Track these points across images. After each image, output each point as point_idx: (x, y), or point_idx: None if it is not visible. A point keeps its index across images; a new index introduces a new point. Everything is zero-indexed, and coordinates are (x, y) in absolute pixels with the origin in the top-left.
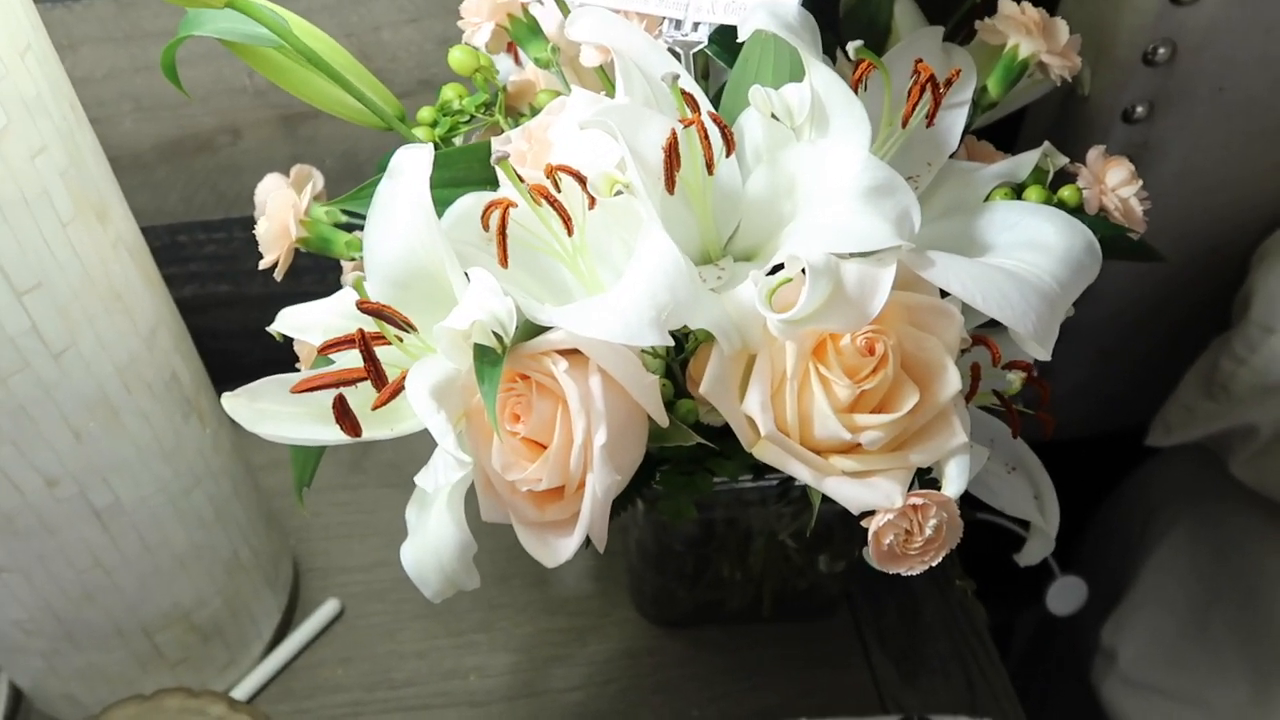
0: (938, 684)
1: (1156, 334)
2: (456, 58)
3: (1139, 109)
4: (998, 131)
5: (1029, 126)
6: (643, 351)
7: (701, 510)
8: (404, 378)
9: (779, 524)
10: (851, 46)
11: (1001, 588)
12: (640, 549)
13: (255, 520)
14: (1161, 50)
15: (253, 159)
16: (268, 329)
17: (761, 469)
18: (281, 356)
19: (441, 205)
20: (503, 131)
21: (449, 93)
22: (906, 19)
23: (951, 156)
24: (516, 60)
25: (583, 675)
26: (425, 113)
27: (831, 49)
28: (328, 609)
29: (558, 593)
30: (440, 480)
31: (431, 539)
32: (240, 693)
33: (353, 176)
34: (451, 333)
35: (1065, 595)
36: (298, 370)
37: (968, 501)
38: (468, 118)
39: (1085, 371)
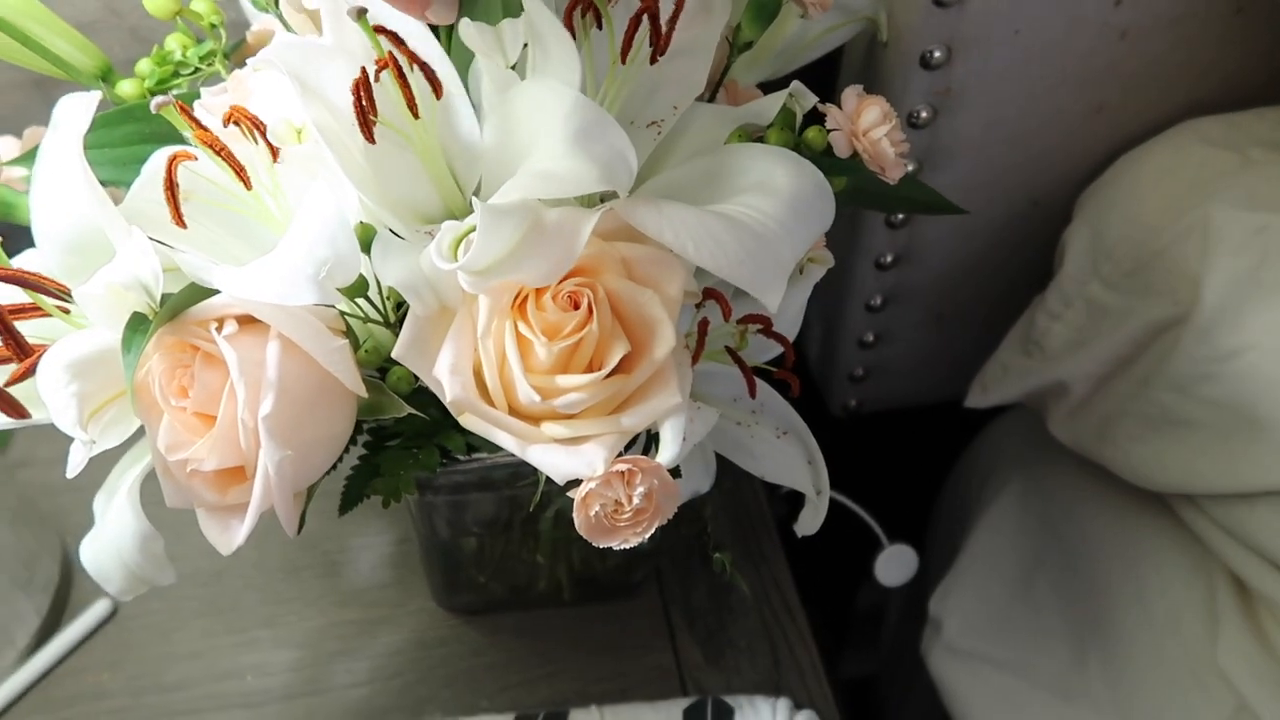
0: (743, 663)
1: (992, 296)
2: (153, 2)
3: (936, 53)
4: (810, 81)
5: (844, 76)
6: (353, 316)
7: (484, 489)
8: (42, 353)
9: (560, 499)
10: None
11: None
12: (420, 534)
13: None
14: None
15: (7, 124)
16: None
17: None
18: None
19: (138, 163)
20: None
21: (171, 43)
22: None
23: (712, 101)
24: None
25: (369, 669)
26: (142, 64)
27: None
28: (97, 610)
29: (351, 584)
30: (76, 462)
31: (111, 532)
32: None
33: None
34: (93, 298)
35: (894, 565)
36: None
37: None
38: (193, 69)
39: (922, 336)
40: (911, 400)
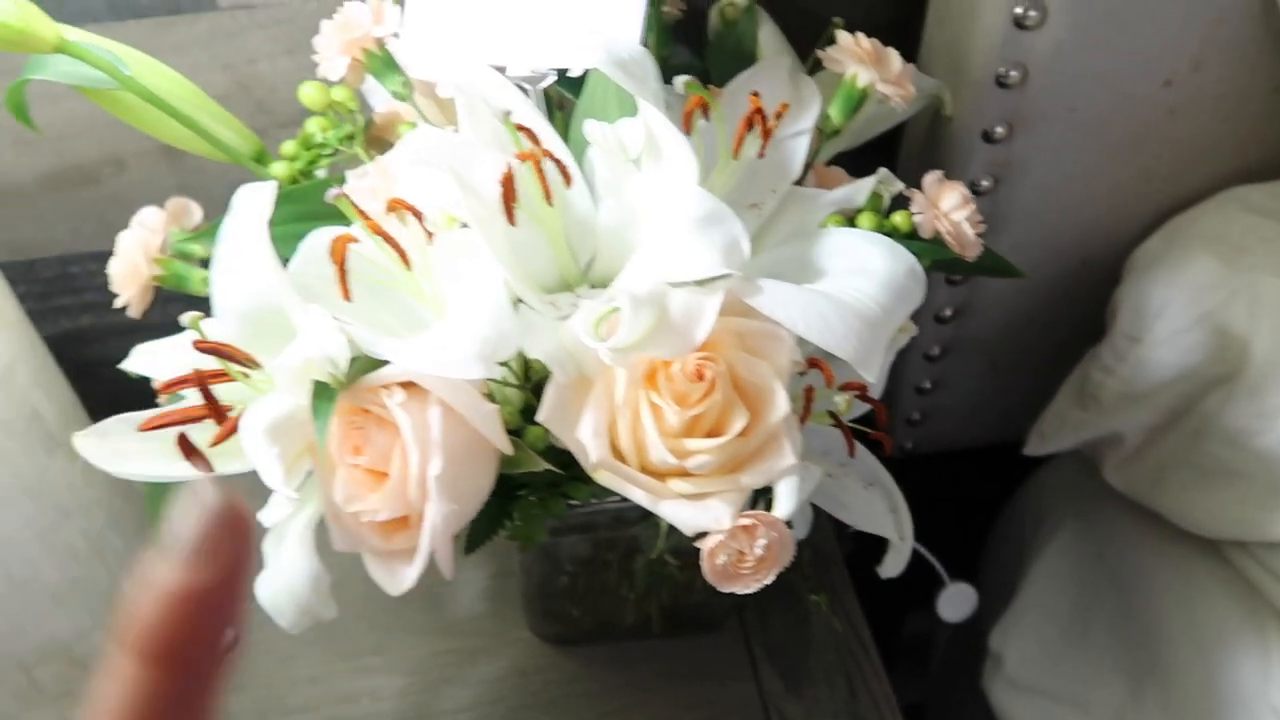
0: (822, 694)
1: (1044, 347)
2: (307, 94)
3: (998, 129)
4: (875, 153)
5: (905, 146)
6: (495, 381)
7: (584, 530)
8: (238, 416)
9: (655, 543)
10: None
11: (924, 602)
12: (526, 570)
13: (138, 550)
14: (1013, 73)
15: (139, 190)
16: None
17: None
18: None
19: (295, 239)
20: (363, 163)
21: (312, 126)
22: (770, 45)
23: (800, 183)
24: None
25: (473, 696)
26: (288, 146)
27: (703, 74)
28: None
29: (452, 614)
30: (276, 515)
31: (284, 572)
32: None
33: None
34: (287, 370)
35: (955, 602)
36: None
37: None
38: (331, 150)
39: (979, 384)
40: (963, 443)
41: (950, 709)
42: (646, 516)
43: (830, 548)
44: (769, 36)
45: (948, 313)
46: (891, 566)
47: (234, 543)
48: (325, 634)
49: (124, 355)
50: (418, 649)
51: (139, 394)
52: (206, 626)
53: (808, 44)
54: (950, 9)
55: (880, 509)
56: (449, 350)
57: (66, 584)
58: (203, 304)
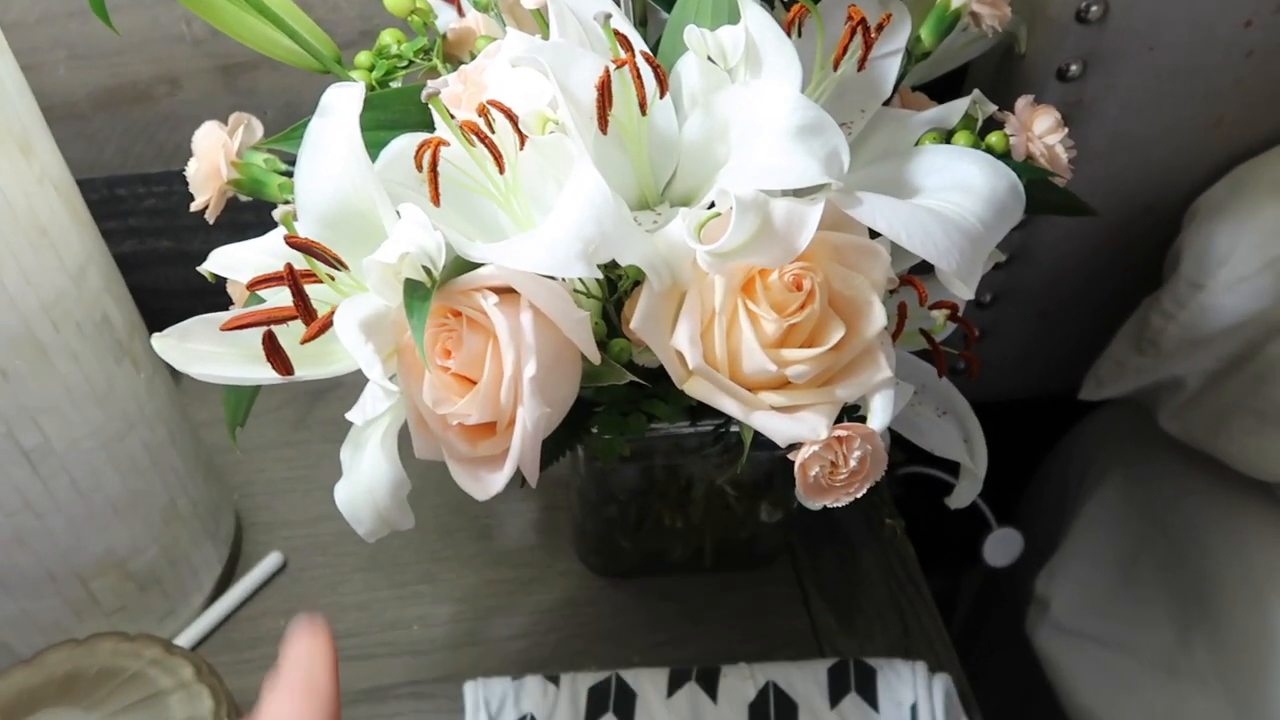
0: (875, 629)
1: (1096, 296)
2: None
3: (1073, 67)
4: (939, 89)
5: (969, 85)
6: (576, 291)
7: (641, 459)
8: (333, 312)
9: (717, 471)
10: None
11: (947, 553)
12: (582, 499)
13: (193, 470)
14: (1094, 8)
15: (192, 110)
16: (199, 269)
17: (696, 413)
18: (217, 287)
19: (375, 148)
20: (439, 75)
21: (387, 37)
22: None
23: (886, 105)
24: (459, 11)
25: (526, 624)
26: (363, 57)
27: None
28: (270, 561)
29: (501, 545)
30: (369, 412)
31: (365, 477)
32: (181, 642)
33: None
34: (381, 266)
35: (1001, 547)
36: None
37: (908, 454)
38: (405, 63)
39: (1029, 334)
40: (1008, 394)
41: (979, 655)
42: (704, 445)
43: (879, 488)
44: None
45: (1003, 258)
46: (963, 496)
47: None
48: (373, 561)
49: (166, 283)
50: (468, 578)
51: (179, 319)
52: None
53: None
54: None
55: (954, 436)
56: (553, 249)
57: (126, 496)
58: (268, 223)
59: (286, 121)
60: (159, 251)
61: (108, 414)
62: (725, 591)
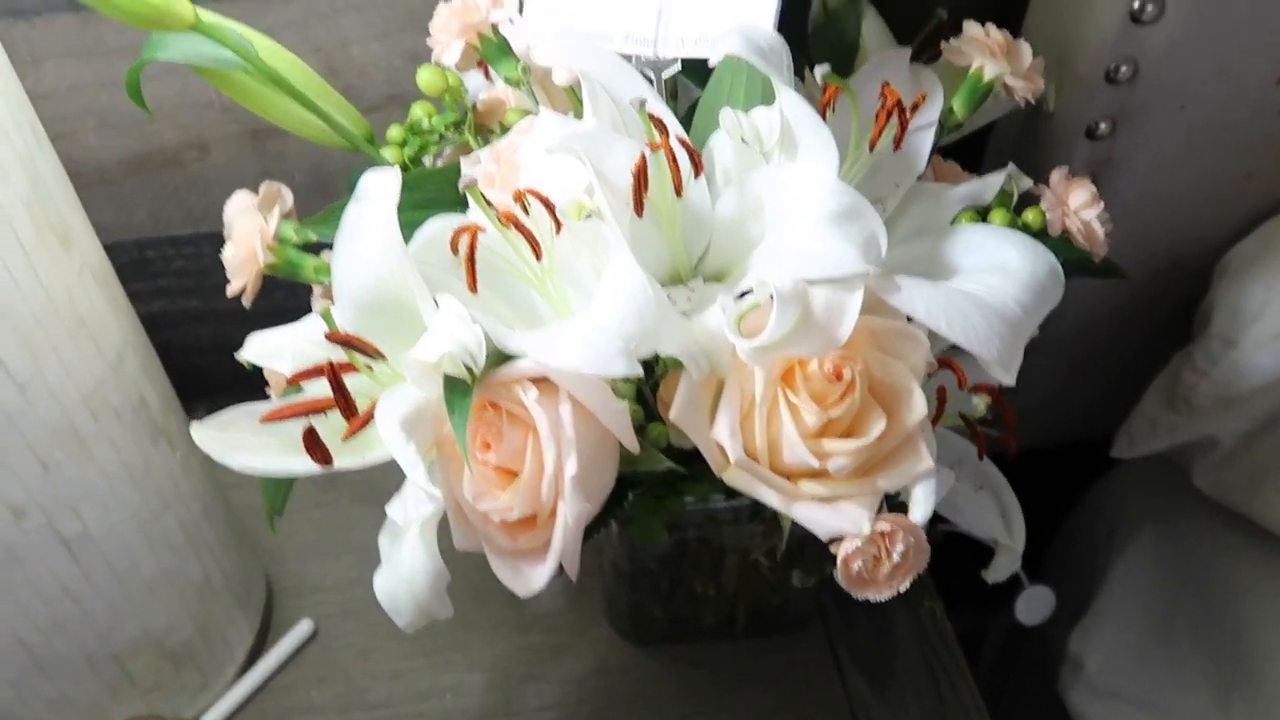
0: (909, 698)
1: (1124, 347)
2: (425, 78)
3: (1102, 125)
4: (964, 147)
5: (995, 142)
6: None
7: (675, 530)
8: (373, 408)
9: (752, 542)
10: (819, 71)
11: (972, 596)
12: (614, 568)
13: (226, 542)
14: (1124, 68)
15: (221, 174)
16: (235, 355)
17: (732, 490)
18: (255, 370)
19: (410, 227)
20: (471, 150)
21: (418, 111)
22: (874, 35)
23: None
24: (487, 76)
25: (558, 693)
26: (395, 131)
27: (800, 66)
28: (301, 630)
29: (533, 611)
30: (411, 514)
31: (404, 569)
32: (213, 717)
33: (321, 191)
34: (421, 363)
35: (1034, 605)
36: (268, 393)
37: (937, 515)
38: (437, 137)
39: (1056, 384)
40: (1034, 443)
41: (1005, 708)
42: (740, 519)
43: None
44: (873, 27)
45: (1037, 333)
46: (1000, 571)
47: None
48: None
49: (195, 340)
50: (500, 645)
51: (208, 377)
52: None
53: (903, 35)
54: (1059, 2)
55: (991, 512)
56: (595, 346)
57: (162, 575)
58: (295, 284)
59: (314, 184)
60: (188, 311)
61: (144, 495)
62: (757, 658)
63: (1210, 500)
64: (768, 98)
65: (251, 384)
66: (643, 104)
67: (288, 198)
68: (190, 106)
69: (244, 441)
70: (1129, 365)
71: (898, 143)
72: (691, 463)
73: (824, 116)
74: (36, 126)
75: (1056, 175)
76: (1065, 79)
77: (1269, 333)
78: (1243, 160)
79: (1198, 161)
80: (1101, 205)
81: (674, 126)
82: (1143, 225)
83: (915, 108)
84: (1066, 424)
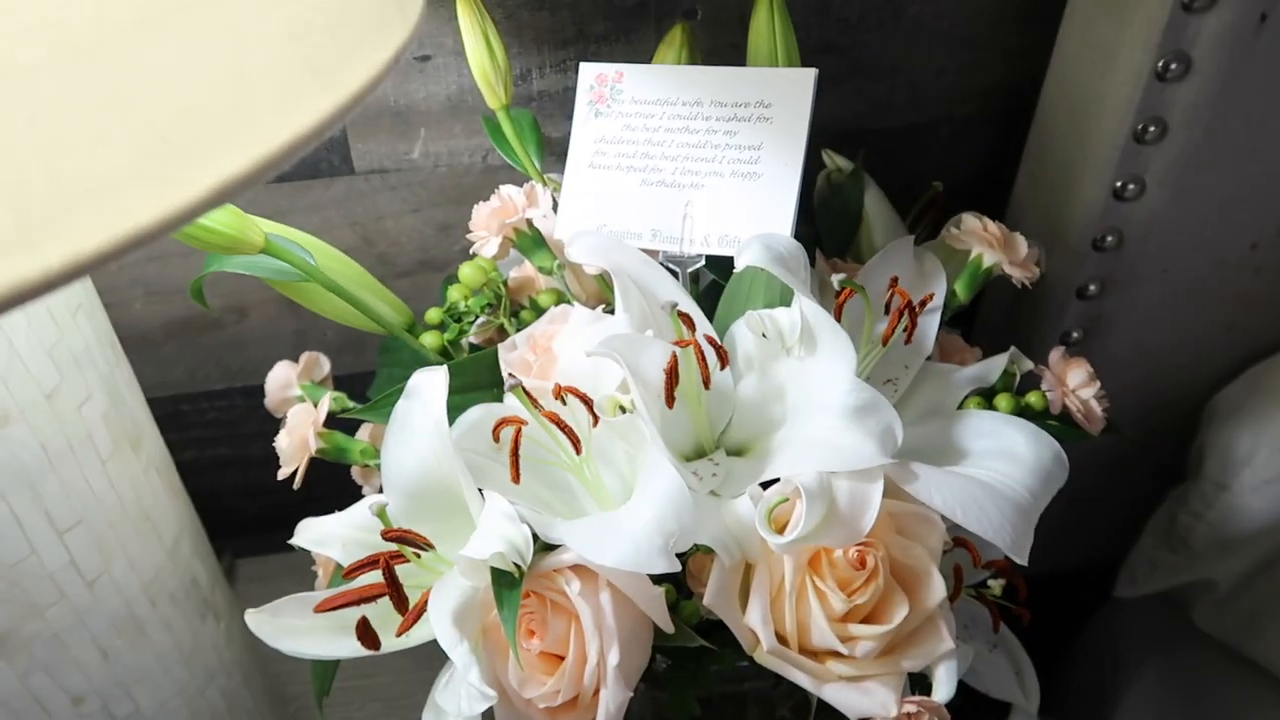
0: None
1: (1123, 484)
2: (466, 274)
3: (1091, 288)
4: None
5: (988, 301)
6: None
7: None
8: (424, 603)
9: (778, 699)
10: (835, 280)
11: (975, 706)
12: None
13: (261, 703)
14: (1109, 239)
15: (257, 334)
16: (288, 542)
17: None
18: (280, 513)
19: (452, 412)
20: (503, 326)
21: (454, 294)
22: (875, 206)
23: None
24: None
25: None
26: (433, 313)
27: (809, 242)
28: None
29: None
30: (464, 710)
31: None
32: None
33: (353, 347)
34: (472, 561)
35: None
36: (289, 541)
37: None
38: (473, 318)
39: (1053, 519)
40: (1036, 572)
41: None
42: (762, 673)
43: None
44: (874, 199)
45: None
46: None
47: None
48: None
49: (224, 485)
50: None
51: (235, 519)
52: None
53: (899, 203)
54: (1046, 177)
55: (1005, 672)
56: (637, 546)
57: None
58: None
59: (347, 342)
60: (218, 458)
61: (192, 671)
62: None
63: (1212, 636)
64: (786, 293)
65: (274, 524)
66: (674, 306)
67: (325, 365)
68: (231, 276)
69: (295, 626)
70: (1126, 498)
71: (909, 338)
72: (717, 632)
73: (839, 315)
74: (115, 344)
75: (1055, 355)
76: (1055, 246)
77: (1260, 478)
78: (1223, 315)
79: (1182, 318)
80: (1098, 385)
81: (702, 325)
82: (1133, 374)
83: (924, 304)
84: (1061, 555)
